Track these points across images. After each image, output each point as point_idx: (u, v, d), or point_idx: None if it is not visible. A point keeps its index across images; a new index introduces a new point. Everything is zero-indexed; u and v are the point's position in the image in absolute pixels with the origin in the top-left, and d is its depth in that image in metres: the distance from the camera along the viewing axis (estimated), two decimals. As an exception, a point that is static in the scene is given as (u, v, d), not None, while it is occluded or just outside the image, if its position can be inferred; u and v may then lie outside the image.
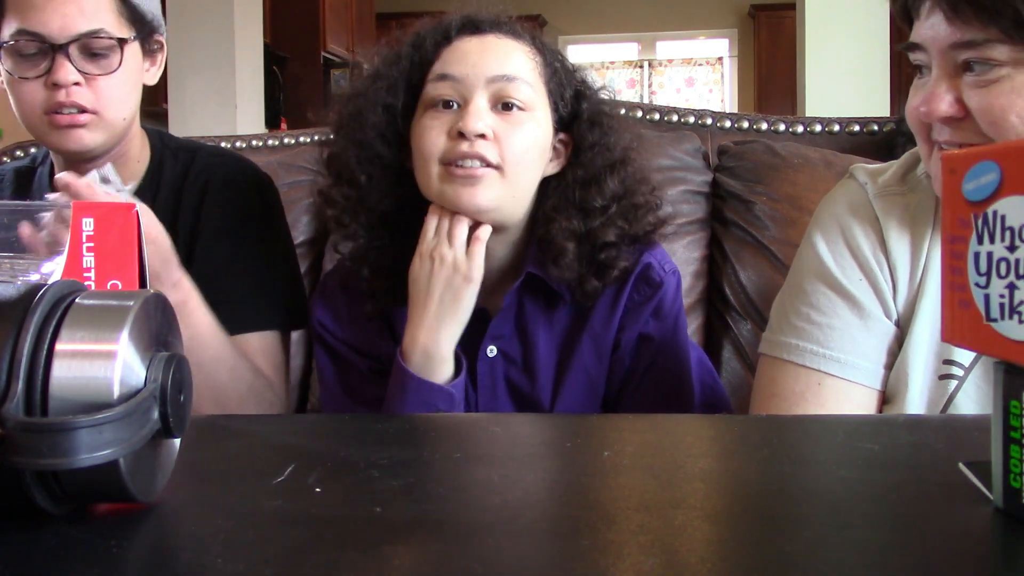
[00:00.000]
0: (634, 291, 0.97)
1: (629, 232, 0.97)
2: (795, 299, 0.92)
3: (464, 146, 0.90)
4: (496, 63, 0.93)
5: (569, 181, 0.97)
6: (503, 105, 0.93)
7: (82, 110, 1.06)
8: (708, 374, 1.13)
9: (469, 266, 0.91)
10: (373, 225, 0.98)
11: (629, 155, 1.00)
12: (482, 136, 0.90)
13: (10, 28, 1.04)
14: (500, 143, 0.91)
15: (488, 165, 0.91)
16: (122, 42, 1.06)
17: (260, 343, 1.17)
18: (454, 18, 0.98)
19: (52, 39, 1.03)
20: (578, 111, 0.99)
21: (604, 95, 1.03)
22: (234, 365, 1.08)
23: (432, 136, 0.92)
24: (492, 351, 0.99)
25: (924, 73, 0.82)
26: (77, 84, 1.05)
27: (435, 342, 0.92)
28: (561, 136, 0.99)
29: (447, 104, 0.93)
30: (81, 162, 1.13)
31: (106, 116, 1.08)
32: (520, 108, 0.93)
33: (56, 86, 1.04)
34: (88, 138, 1.08)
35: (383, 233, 0.98)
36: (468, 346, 0.97)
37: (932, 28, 0.78)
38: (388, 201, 0.98)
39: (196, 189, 1.19)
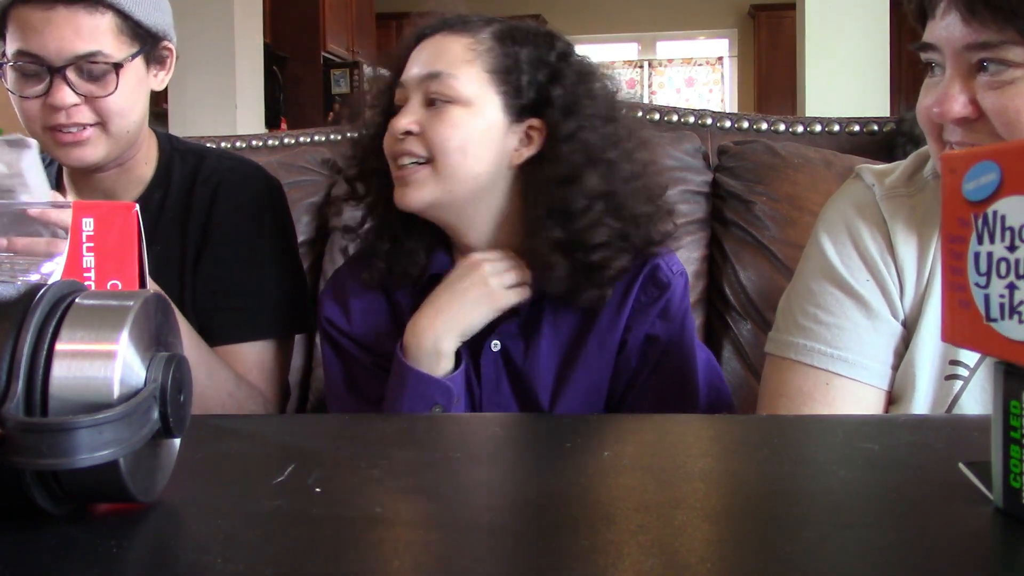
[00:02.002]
0: (641, 292, 0.97)
1: (623, 231, 0.95)
2: (802, 299, 0.92)
3: (397, 145, 0.95)
4: (427, 63, 0.96)
5: (544, 179, 0.95)
6: (431, 101, 0.95)
7: (84, 126, 1.06)
8: (716, 377, 1.12)
9: (501, 294, 0.95)
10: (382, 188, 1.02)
11: (620, 148, 0.96)
12: (408, 133, 0.94)
13: (12, 47, 1.04)
14: (426, 136, 0.94)
15: (420, 162, 0.94)
16: (118, 66, 1.05)
17: (256, 352, 1.17)
18: (423, 24, 1.02)
19: (50, 61, 1.03)
20: (548, 96, 0.96)
21: (605, 83, 1.00)
22: (212, 371, 1.09)
23: (385, 138, 0.98)
24: (496, 346, 1.00)
25: (936, 72, 0.81)
26: (76, 104, 1.05)
27: (435, 339, 0.93)
28: (532, 122, 0.96)
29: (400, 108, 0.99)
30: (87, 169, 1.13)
31: (109, 130, 1.08)
32: (447, 101, 0.94)
33: (55, 107, 1.04)
34: (91, 154, 1.09)
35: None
36: (474, 340, 0.98)
37: (947, 28, 0.77)
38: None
39: (207, 192, 1.19)
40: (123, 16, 1.06)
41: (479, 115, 0.94)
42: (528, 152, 0.97)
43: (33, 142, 0.97)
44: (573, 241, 0.93)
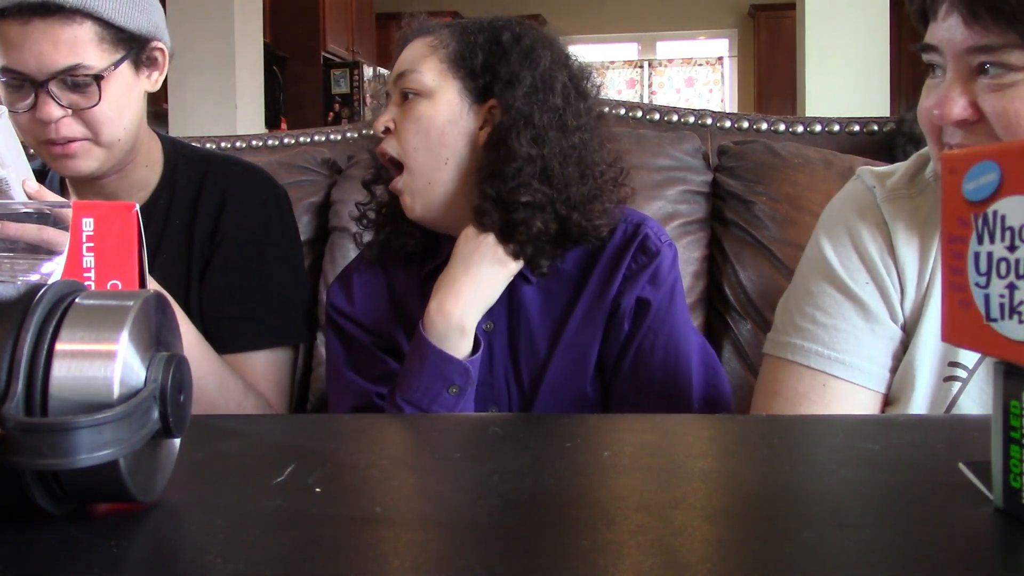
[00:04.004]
0: (632, 261, 1.01)
1: (550, 196, 0.97)
2: (801, 300, 0.92)
3: (378, 145, 1.03)
4: (398, 66, 1.03)
5: (487, 145, 0.99)
6: (406, 96, 1.01)
7: (74, 139, 1.05)
8: (710, 358, 1.13)
9: (510, 259, 0.98)
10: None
11: (558, 118, 0.99)
12: (387, 131, 1.01)
13: None
14: (398, 134, 1.01)
15: (396, 165, 1.01)
16: (98, 78, 1.04)
17: (262, 361, 1.18)
18: (400, 36, 1.08)
19: (32, 76, 1.02)
20: (497, 73, 1.00)
21: (555, 61, 1.02)
22: (222, 381, 1.09)
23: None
24: (489, 326, 1.03)
25: (937, 73, 0.81)
26: (64, 117, 1.04)
27: (460, 314, 0.96)
28: (492, 102, 1.01)
29: None
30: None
31: (100, 140, 1.07)
32: (416, 94, 1.00)
33: (43, 121, 1.03)
34: (84, 165, 1.08)
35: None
36: None
37: (948, 31, 0.77)
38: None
39: (214, 198, 1.18)
40: (103, 23, 1.04)
41: (440, 102, 1.00)
42: (486, 134, 1.01)
43: (3, 108, 0.97)
44: (499, 198, 0.97)
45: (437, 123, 0.99)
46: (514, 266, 0.98)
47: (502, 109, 0.98)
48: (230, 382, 1.10)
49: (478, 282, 0.96)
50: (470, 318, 0.96)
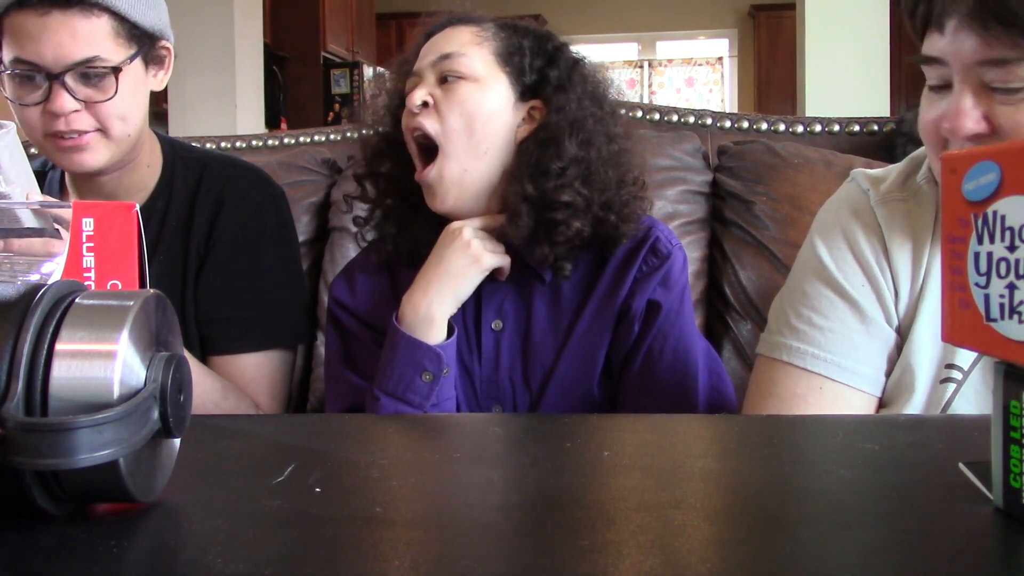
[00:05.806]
0: (643, 263, 1.02)
1: (588, 198, 0.98)
2: (796, 301, 0.92)
3: (412, 120, 1.00)
4: (439, 48, 1.02)
5: (531, 142, 1.00)
6: (445, 79, 1.00)
7: (84, 132, 1.05)
8: (715, 362, 1.14)
9: (484, 254, 0.98)
10: (390, 179, 1.07)
11: (602, 125, 1.02)
12: (424, 105, 0.99)
13: (8, 55, 1.03)
14: (439, 111, 0.99)
15: (429, 143, 0.99)
16: (117, 70, 1.05)
17: (254, 363, 1.17)
18: (431, 23, 1.09)
19: (47, 68, 1.02)
20: (547, 76, 1.02)
21: (597, 74, 1.06)
22: (199, 380, 1.08)
23: (403, 118, 1.03)
24: (497, 325, 1.03)
25: (935, 84, 0.80)
26: (76, 111, 1.04)
27: (428, 306, 0.97)
28: (533, 103, 1.02)
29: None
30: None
31: (110, 134, 1.07)
32: (459, 78, 0.99)
33: (55, 114, 1.04)
34: (93, 159, 1.08)
35: (392, 191, 1.07)
36: (474, 320, 1.03)
37: (958, 43, 0.75)
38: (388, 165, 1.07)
39: (210, 200, 1.18)
40: (119, 18, 1.05)
41: (488, 91, 1.00)
42: (525, 131, 1.02)
43: (11, 124, 0.97)
44: (541, 197, 0.97)
45: (484, 110, 0.99)
46: (488, 261, 0.98)
47: (549, 110, 1.00)
48: (207, 382, 1.10)
49: (447, 275, 0.97)
50: (438, 309, 0.97)
